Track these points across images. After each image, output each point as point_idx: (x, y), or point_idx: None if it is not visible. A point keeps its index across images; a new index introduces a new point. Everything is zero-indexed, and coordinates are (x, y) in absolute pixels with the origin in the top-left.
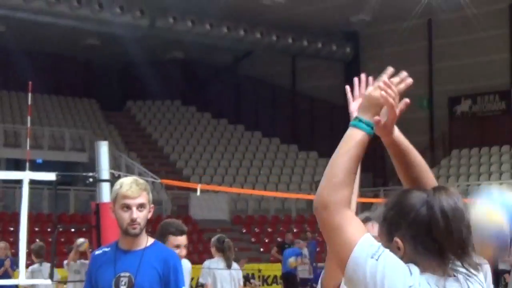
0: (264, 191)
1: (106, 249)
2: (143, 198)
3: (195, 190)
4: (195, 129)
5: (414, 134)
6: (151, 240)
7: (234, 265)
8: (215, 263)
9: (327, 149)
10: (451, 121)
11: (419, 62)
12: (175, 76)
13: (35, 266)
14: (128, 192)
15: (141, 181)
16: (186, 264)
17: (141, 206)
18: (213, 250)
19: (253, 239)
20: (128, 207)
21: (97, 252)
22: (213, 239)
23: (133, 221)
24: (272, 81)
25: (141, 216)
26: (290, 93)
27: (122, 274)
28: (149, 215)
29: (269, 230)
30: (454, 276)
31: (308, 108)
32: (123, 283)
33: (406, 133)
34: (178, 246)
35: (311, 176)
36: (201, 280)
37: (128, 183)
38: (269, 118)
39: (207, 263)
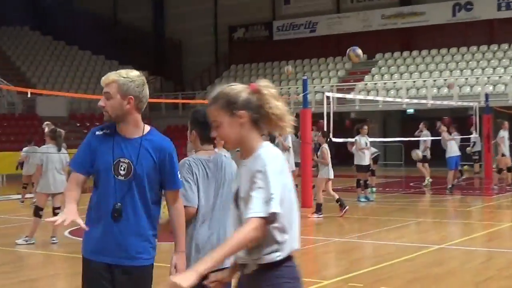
0: (93, 95)
1: (107, 131)
2: (108, 88)
3: (40, 94)
4: (40, 47)
5: (204, 54)
6: (147, 128)
7: (63, 150)
8: (48, 149)
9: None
10: (230, 44)
11: (207, 0)
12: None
13: None
14: (101, 80)
15: (120, 72)
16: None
17: (106, 94)
18: (47, 138)
19: (85, 131)
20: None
21: (97, 133)
22: (46, 130)
23: (100, 107)
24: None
25: (108, 104)
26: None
27: (121, 160)
28: (127, 107)
29: (97, 124)
30: None
31: (125, 34)
32: (122, 168)
33: (198, 56)
34: None
35: None
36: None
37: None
38: (96, 40)
39: (44, 148)
